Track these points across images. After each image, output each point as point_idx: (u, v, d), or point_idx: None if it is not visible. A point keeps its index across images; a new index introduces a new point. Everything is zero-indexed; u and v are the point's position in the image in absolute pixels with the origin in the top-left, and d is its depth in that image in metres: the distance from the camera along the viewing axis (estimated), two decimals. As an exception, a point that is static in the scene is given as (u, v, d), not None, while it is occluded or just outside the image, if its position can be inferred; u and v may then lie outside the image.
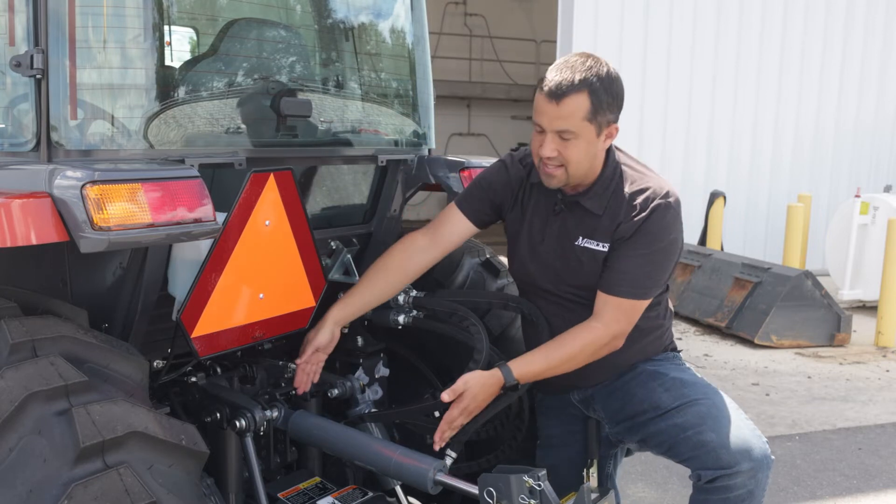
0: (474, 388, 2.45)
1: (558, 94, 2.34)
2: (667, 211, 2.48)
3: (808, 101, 11.05)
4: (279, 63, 2.71)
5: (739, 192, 10.46)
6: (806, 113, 11.06)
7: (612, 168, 2.55)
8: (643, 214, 2.47)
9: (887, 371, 6.91)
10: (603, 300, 2.52)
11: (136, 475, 1.83)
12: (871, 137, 11.44)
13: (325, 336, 2.68)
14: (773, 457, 2.47)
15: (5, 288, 2.21)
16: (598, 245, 2.53)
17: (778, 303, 7.49)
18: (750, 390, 6.24)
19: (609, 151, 2.56)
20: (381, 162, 2.92)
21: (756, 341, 7.46)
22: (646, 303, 2.55)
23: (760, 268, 7.94)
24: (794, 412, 5.77)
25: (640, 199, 2.49)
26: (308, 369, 2.71)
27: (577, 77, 2.34)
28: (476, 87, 17.60)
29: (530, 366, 2.50)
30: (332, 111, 2.86)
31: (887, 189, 9.64)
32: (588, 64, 2.38)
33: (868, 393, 6.27)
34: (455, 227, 2.73)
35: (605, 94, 2.38)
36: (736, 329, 7.73)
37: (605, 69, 2.39)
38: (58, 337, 2.00)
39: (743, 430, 2.44)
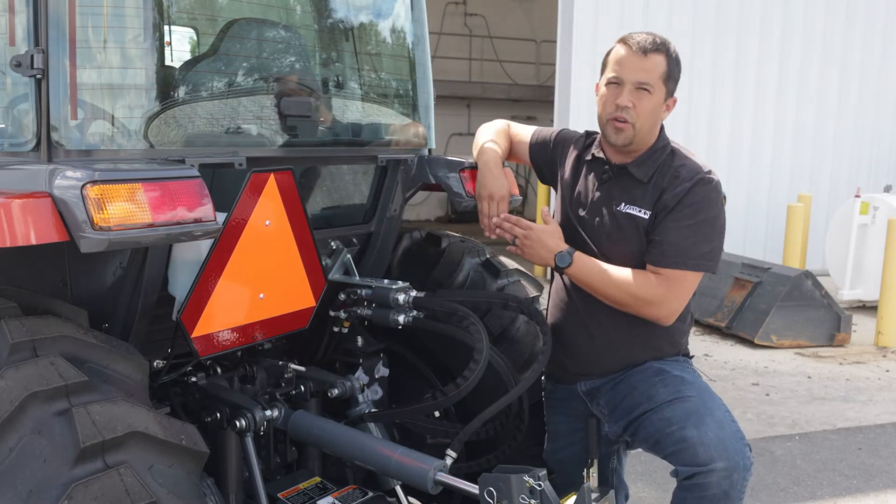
0: (546, 230, 2.67)
1: (645, 48, 2.58)
2: (710, 185, 2.62)
3: (808, 101, 11.05)
4: (279, 63, 2.71)
5: (739, 192, 10.47)
6: (806, 113, 11.06)
7: (663, 143, 2.71)
8: (686, 185, 2.60)
9: (887, 371, 6.91)
10: (653, 273, 2.61)
11: (137, 475, 1.83)
12: (871, 137, 11.44)
13: (506, 179, 2.88)
14: (752, 460, 2.48)
15: (5, 288, 2.20)
16: (640, 211, 2.64)
17: (778, 303, 7.49)
18: (750, 390, 6.24)
19: (662, 130, 2.73)
20: (381, 162, 2.92)
21: (756, 341, 7.46)
22: (697, 276, 2.63)
23: (760, 268, 7.94)
24: (794, 412, 5.77)
25: (683, 171, 2.63)
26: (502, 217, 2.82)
27: (660, 40, 2.61)
28: (476, 87, 17.61)
29: (586, 258, 2.64)
30: (332, 111, 2.86)
31: (887, 189, 9.63)
32: (666, 38, 2.66)
33: (868, 393, 6.27)
34: (520, 147, 3.04)
35: (675, 65, 2.63)
36: (736, 329, 7.73)
37: (675, 47, 2.66)
38: (58, 337, 2.00)
39: (725, 430, 2.47)
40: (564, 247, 2.65)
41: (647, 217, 2.62)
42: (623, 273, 2.61)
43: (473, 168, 2.98)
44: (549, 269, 2.84)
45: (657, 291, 2.59)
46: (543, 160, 2.98)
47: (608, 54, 2.68)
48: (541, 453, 2.94)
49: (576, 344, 2.78)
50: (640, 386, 2.65)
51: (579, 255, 2.64)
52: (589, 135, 2.89)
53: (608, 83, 2.63)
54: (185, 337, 2.30)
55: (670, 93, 2.64)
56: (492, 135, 3.00)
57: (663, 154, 2.68)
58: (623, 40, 2.62)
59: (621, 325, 2.69)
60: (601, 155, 2.76)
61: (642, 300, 2.59)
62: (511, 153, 3.07)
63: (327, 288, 2.71)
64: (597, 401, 2.79)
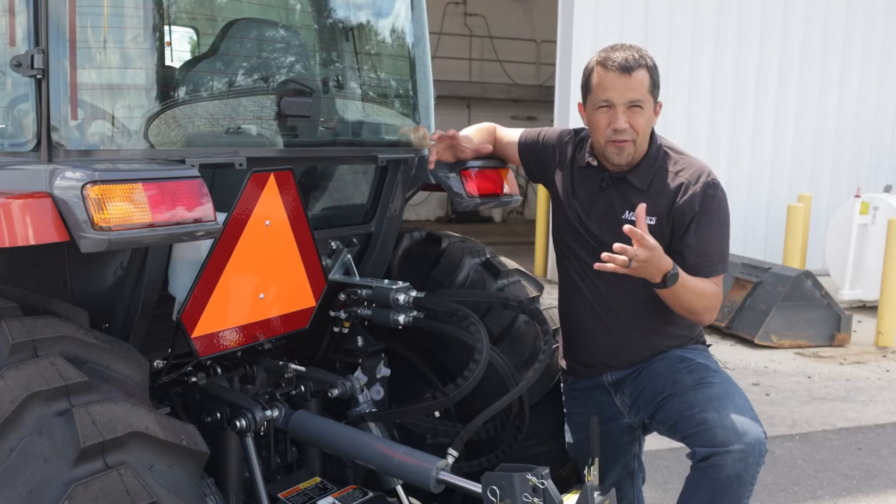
0: (658, 252, 2.46)
1: (628, 67, 2.61)
2: (718, 188, 2.71)
3: (808, 101, 11.05)
4: (279, 63, 2.71)
5: (739, 192, 10.46)
6: (806, 113, 11.06)
7: (655, 148, 2.76)
8: (699, 193, 2.66)
9: (887, 371, 6.91)
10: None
11: (137, 475, 1.83)
12: (871, 137, 11.43)
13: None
14: (767, 447, 2.54)
15: (5, 288, 2.20)
16: (647, 219, 2.64)
17: (778, 303, 7.49)
18: (750, 390, 6.24)
19: (653, 134, 2.77)
20: (381, 162, 2.92)
21: (756, 341, 7.46)
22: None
23: (760, 268, 7.95)
24: (794, 412, 5.77)
25: (687, 175, 2.70)
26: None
27: (638, 55, 2.64)
28: (476, 87, 17.63)
29: (684, 273, 2.58)
30: (332, 111, 2.86)
31: (887, 189, 9.63)
32: (638, 47, 2.69)
33: (868, 393, 6.27)
34: (509, 147, 3.06)
35: (656, 73, 2.69)
36: (736, 329, 7.73)
37: (648, 54, 2.70)
38: (58, 337, 2.00)
39: (744, 415, 2.54)
40: (671, 265, 2.53)
41: (653, 223, 2.65)
42: (703, 285, 2.65)
43: (473, 168, 2.98)
44: (548, 269, 2.84)
45: (721, 296, 2.72)
46: (534, 159, 3.01)
47: (588, 76, 2.70)
48: (542, 452, 2.94)
49: (595, 339, 2.83)
50: (664, 372, 2.73)
51: (681, 271, 2.57)
52: (578, 133, 2.92)
53: (599, 107, 2.66)
54: (185, 337, 2.30)
55: (656, 101, 2.70)
56: (471, 130, 3.08)
57: (657, 158, 2.74)
58: (602, 63, 2.64)
59: (638, 315, 2.76)
60: (596, 164, 2.79)
61: (715, 308, 2.70)
62: (501, 154, 3.10)
63: (327, 288, 2.71)
64: (621, 391, 2.85)
